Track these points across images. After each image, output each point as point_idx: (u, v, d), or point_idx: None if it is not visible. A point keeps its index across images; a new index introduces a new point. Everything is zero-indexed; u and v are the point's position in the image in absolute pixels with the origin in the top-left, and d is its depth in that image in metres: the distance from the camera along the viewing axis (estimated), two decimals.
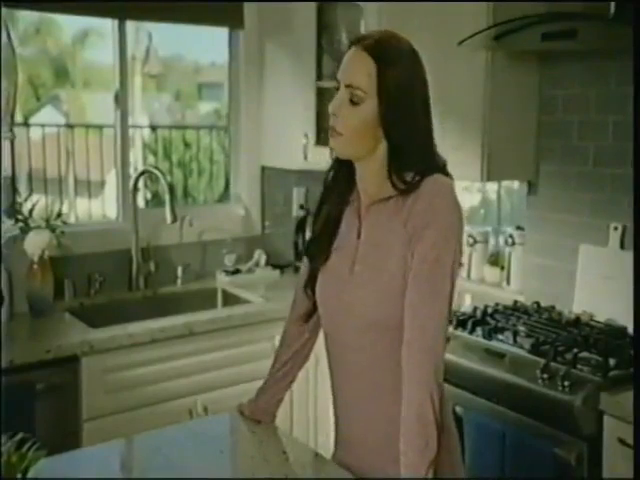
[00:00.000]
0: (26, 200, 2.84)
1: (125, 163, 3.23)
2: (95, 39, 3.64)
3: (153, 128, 3.82)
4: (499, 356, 2.26)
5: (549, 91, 2.72)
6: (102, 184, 3.56)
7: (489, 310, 2.58)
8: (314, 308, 1.62)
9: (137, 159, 3.60)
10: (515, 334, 2.31)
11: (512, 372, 2.19)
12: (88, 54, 3.80)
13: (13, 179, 2.94)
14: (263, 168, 3.58)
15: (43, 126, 3.36)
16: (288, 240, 3.55)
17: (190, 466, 1.55)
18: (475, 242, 3.01)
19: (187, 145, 3.93)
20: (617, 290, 2.46)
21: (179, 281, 3.25)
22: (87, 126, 3.62)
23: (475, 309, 2.58)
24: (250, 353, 2.79)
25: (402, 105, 1.42)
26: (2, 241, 2.65)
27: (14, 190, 2.91)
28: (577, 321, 2.46)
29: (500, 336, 2.35)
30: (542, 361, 2.12)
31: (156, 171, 3.10)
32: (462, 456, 1.62)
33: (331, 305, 1.55)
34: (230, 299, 3.22)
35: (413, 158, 1.44)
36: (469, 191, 3.20)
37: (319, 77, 3.18)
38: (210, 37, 3.57)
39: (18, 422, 1.59)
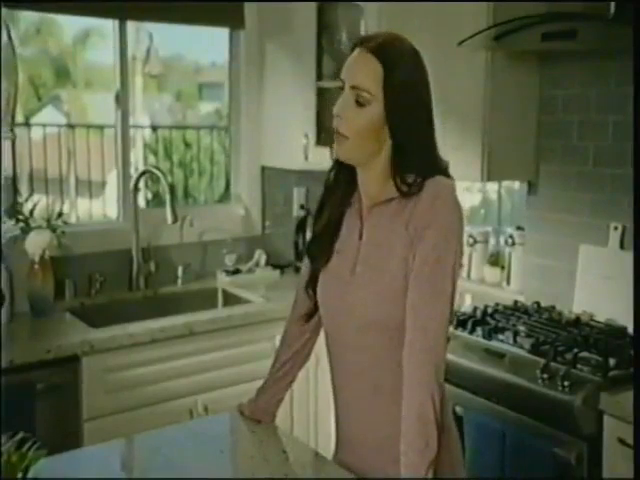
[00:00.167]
0: (27, 200, 2.85)
1: (126, 163, 3.24)
2: (96, 39, 3.64)
3: (154, 128, 3.82)
4: (499, 356, 2.26)
5: (549, 91, 2.72)
6: (103, 184, 3.57)
7: (489, 310, 2.58)
8: (315, 308, 1.62)
9: (138, 159, 3.60)
10: (515, 334, 2.31)
11: (512, 372, 2.19)
12: (89, 54, 3.81)
13: (14, 179, 2.94)
14: (263, 168, 3.58)
15: (44, 126, 3.37)
16: (288, 240, 3.55)
17: (190, 466, 1.55)
18: (475, 242, 3.01)
19: (188, 145, 3.93)
20: (617, 290, 2.46)
21: (179, 281, 3.26)
22: (88, 126, 3.62)
23: (475, 309, 2.58)
24: (250, 353, 2.79)
25: (408, 107, 1.43)
26: (3, 241, 2.65)
27: (15, 190, 2.91)
28: (577, 321, 2.46)
29: (500, 336, 2.35)
30: (542, 361, 2.12)
31: (157, 171, 3.11)
32: (462, 456, 1.62)
33: (332, 305, 1.56)
34: (230, 299, 3.22)
35: (416, 160, 1.45)
36: (470, 191, 3.20)
37: (319, 77, 3.17)
38: (210, 37, 3.57)
39: (18, 422, 1.60)
